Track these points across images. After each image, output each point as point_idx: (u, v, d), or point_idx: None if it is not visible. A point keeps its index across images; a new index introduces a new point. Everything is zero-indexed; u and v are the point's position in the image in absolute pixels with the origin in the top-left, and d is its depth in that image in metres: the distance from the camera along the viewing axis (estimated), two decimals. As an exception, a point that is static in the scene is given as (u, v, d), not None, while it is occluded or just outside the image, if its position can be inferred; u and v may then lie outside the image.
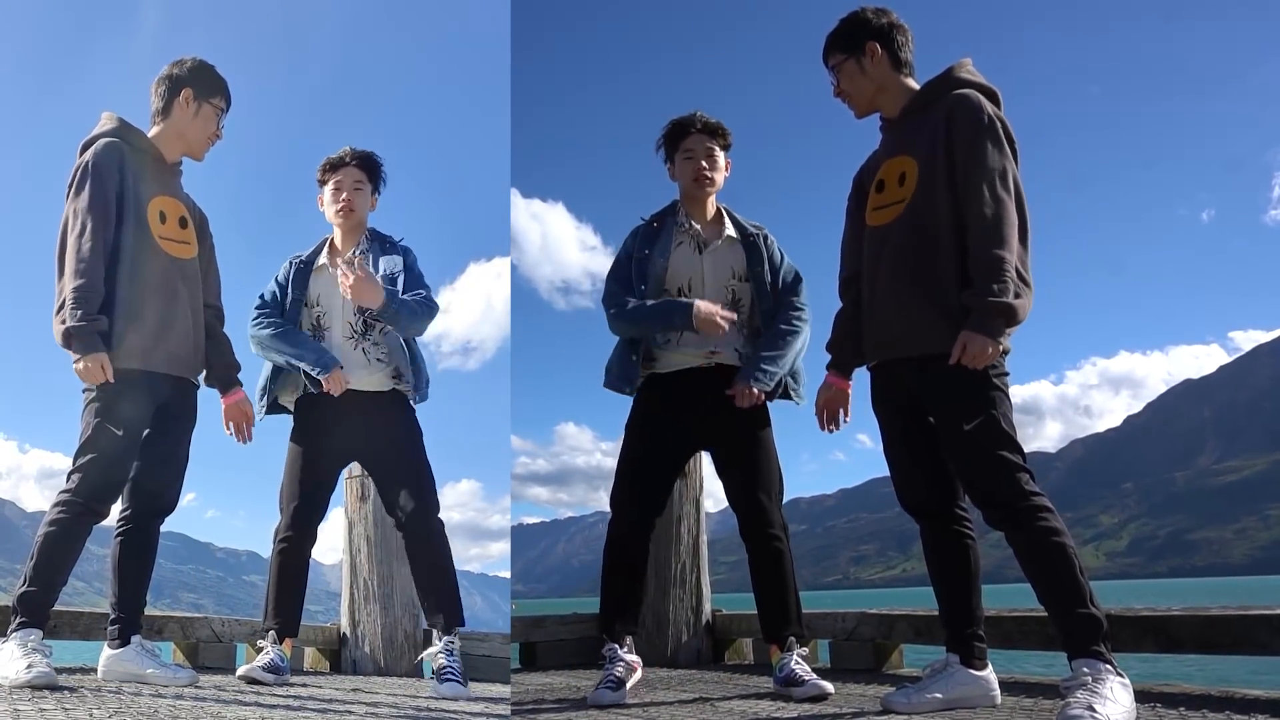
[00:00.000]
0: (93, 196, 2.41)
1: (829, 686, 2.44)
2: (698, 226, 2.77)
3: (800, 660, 2.56)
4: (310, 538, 2.98)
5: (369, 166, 3.05)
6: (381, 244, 3.06)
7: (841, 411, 2.44)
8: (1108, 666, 1.86)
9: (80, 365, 2.37)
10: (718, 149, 2.78)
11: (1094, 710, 1.75)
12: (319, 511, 3.00)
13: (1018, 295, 2.00)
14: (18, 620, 2.33)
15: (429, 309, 2.97)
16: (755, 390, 2.60)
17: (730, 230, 2.80)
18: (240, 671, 2.83)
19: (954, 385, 2.05)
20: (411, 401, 3.02)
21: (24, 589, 2.37)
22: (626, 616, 2.67)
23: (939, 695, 2.13)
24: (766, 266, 2.76)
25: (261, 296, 3.05)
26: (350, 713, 2.27)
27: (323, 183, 3.05)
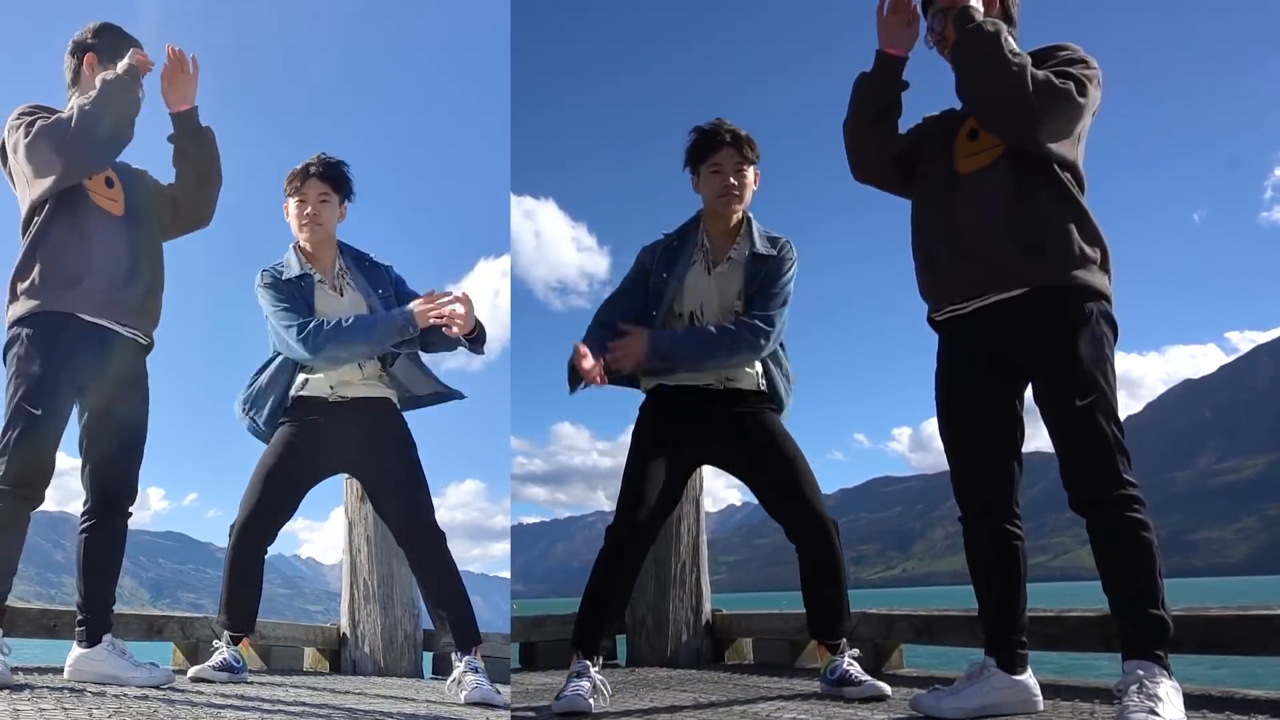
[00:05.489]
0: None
1: (887, 688, 2.38)
2: (712, 244, 2.64)
3: (854, 661, 2.47)
4: (268, 539, 2.88)
5: (333, 177, 2.93)
6: (359, 262, 2.98)
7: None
8: (1163, 671, 1.80)
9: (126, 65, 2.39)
10: (746, 164, 2.61)
11: (1155, 713, 1.70)
12: (281, 517, 2.90)
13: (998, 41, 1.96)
14: None
15: None
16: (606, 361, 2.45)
17: (744, 248, 2.63)
18: (191, 672, 2.76)
19: (1067, 348, 1.93)
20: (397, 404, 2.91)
21: None
22: (606, 634, 2.54)
23: (973, 701, 2.04)
24: (759, 284, 2.58)
25: (301, 322, 2.79)
26: (350, 714, 2.27)
27: (288, 194, 2.96)
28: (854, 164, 2.34)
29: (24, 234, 2.41)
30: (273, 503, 2.84)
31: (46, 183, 2.36)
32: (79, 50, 2.51)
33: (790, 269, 2.61)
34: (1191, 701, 2.06)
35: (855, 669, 2.46)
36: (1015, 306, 2.00)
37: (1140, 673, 1.79)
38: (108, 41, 2.51)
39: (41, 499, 2.34)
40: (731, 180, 2.58)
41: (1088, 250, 1.98)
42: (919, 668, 3.15)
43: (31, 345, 2.33)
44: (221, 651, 2.84)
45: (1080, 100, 1.94)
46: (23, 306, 2.35)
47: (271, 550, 2.97)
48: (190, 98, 2.59)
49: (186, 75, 2.57)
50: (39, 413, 2.29)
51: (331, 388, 2.85)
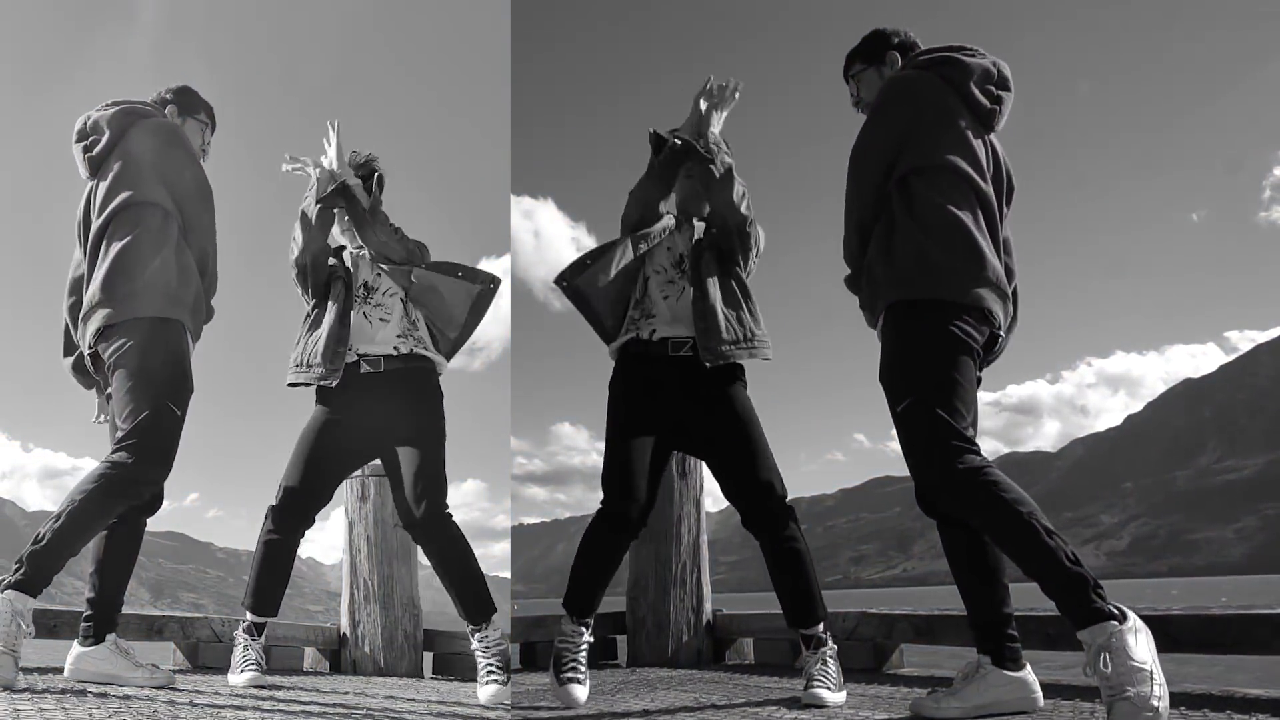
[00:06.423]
0: None
1: (824, 698, 2.31)
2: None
3: (827, 661, 2.41)
4: (303, 527, 2.85)
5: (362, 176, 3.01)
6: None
7: None
8: (1113, 619, 1.74)
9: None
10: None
11: (1125, 698, 1.67)
12: (317, 503, 2.86)
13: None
14: (18, 574, 2.18)
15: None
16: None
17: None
18: (246, 680, 2.75)
19: (886, 358, 2.13)
20: (437, 362, 2.91)
21: (38, 546, 2.20)
22: (595, 601, 2.59)
23: (973, 700, 2.04)
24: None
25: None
26: (350, 713, 2.27)
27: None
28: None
29: (145, 226, 2.45)
30: (312, 487, 2.83)
31: (183, 217, 2.53)
32: (161, 104, 2.71)
33: None
34: (1192, 701, 2.07)
35: (818, 669, 2.39)
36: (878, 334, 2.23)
37: (1097, 643, 1.74)
38: (187, 98, 2.75)
39: (142, 498, 2.42)
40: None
41: (889, 265, 2.14)
42: (919, 668, 3.16)
43: (184, 347, 2.45)
44: (250, 648, 2.80)
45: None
46: (177, 308, 2.44)
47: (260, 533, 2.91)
48: None
49: None
50: (179, 414, 2.40)
51: (359, 355, 2.85)
